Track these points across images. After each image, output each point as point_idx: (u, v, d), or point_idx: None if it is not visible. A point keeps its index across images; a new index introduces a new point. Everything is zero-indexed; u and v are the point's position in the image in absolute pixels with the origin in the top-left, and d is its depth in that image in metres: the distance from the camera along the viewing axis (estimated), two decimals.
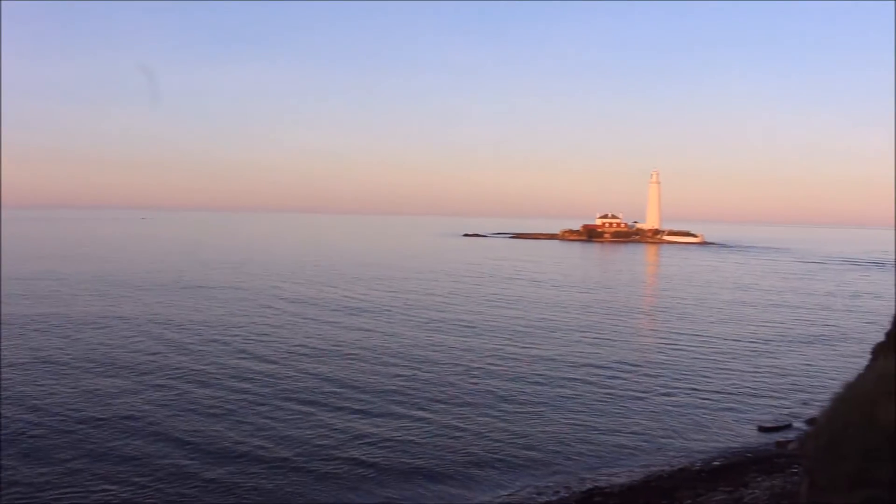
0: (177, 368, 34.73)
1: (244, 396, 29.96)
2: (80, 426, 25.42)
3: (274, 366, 35.96)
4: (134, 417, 26.64)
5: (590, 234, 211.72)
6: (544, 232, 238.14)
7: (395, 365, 36.79)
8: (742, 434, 26.80)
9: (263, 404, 28.89)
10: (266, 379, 33.11)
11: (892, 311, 21.46)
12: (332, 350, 40.21)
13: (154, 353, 37.92)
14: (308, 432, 25.57)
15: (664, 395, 32.01)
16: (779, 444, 25.38)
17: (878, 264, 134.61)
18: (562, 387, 32.72)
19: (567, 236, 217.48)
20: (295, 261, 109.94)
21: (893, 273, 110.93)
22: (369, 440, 24.86)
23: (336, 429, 26.05)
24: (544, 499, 20.31)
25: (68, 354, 37.18)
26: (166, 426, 25.74)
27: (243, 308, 55.93)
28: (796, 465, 20.50)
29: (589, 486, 21.11)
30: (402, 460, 23.10)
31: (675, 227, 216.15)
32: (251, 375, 33.77)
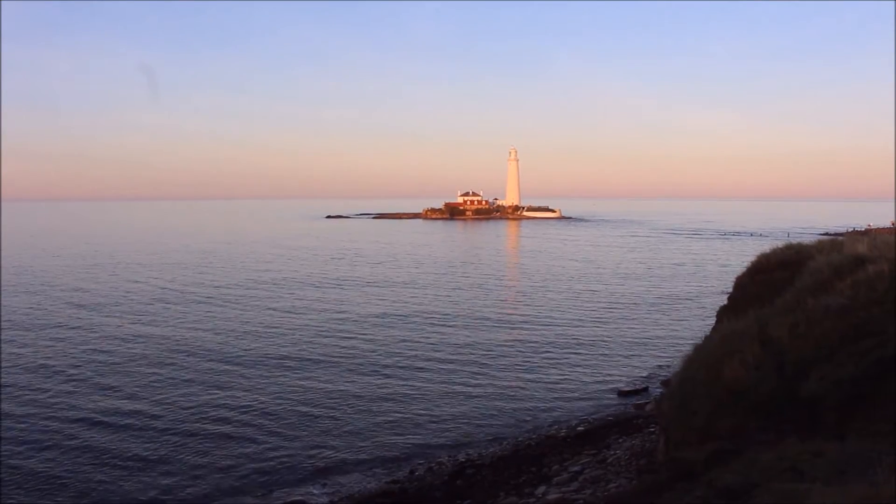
0: None
1: None
2: None
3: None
4: None
5: (452, 213, 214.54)
6: (408, 212, 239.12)
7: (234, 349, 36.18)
8: (603, 400, 28.13)
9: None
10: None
11: (734, 278, 22.89)
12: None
13: None
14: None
15: (527, 368, 32.93)
16: (636, 406, 26.85)
17: (722, 235, 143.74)
18: (424, 369, 32.78)
19: (430, 215, 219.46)
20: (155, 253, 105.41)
21: (734, 242, 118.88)
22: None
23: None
24: (417, 474, 20.63)
25: None
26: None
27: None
28: (653, 425, 21.74)
29: (461, 459, 21.60)
30: (268, 453, 22.89)
31: (535, 203, 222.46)
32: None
